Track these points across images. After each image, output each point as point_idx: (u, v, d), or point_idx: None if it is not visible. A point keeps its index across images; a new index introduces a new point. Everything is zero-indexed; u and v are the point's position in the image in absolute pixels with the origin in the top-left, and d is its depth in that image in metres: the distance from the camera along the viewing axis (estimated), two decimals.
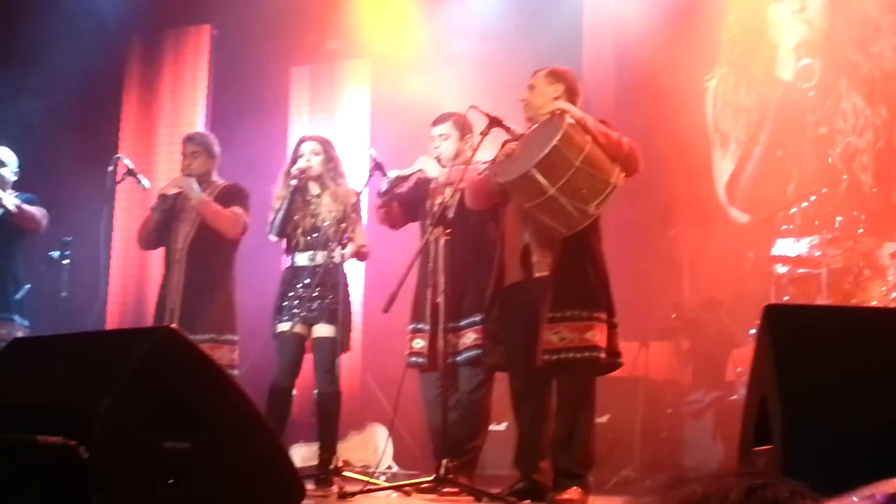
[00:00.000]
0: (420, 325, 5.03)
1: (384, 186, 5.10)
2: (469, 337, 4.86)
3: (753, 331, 6.97)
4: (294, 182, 5.33)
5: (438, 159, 5.09)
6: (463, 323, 4.89)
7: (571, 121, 4.12)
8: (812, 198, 7.20)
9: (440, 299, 4.87)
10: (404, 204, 5.23)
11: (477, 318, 4.82)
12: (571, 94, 4.44)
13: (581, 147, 4.10)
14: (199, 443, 2.98)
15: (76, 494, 2.70)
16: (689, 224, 7.59)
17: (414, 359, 5.01)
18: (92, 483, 2.71)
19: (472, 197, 4.67)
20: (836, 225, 7.15)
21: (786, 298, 6.63)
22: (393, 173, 5.08)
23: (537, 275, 4.32)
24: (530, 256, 4.34)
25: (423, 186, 5.19)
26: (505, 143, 4.43)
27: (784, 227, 7.18)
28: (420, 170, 5.07)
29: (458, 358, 4.87)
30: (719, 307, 7.29)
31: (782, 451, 2.04)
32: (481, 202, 4.65)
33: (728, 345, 7.13)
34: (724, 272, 7.48)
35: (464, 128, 5.00)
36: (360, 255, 5.45)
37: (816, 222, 7.17)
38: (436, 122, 5.18)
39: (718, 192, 7.86)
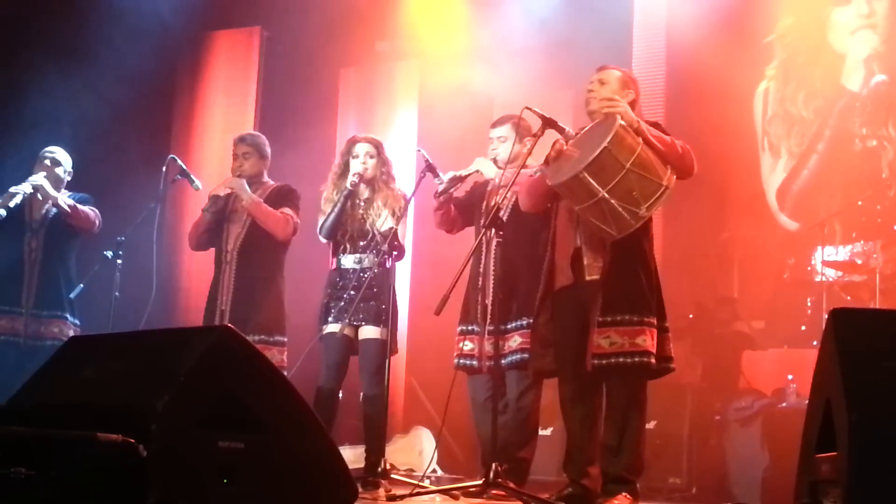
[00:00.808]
0: (469, 327, 5.03)
1: (441, 188, 5.10)
2: (515, 340, 4.86)
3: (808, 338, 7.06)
4: (350, 185, 5.33)
5: (495, 161, 5.09)
6: (510, 326, 4.89)
7: (622, 123, 4.10)
8: (859, 202, 7.13)
9: (489, 301, 4.88)
10: (461, 207, 5.24)
11: (524, 321, 4.81)
12: (634, 103, 4.42)
13: (632, 149, 4.07)
14: (253, 442, 2.99)
15: (134, 491, 2.72)
16: (739, 229, 7.53)
17: (462, 361, 5.01)
18: (149, 480, 2.73)
19: (526, 198, 4.65)
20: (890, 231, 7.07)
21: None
22: (449, 175, 5.08)
23: (588, 278, 4.29)
24: (581, 259, 4.32)
25: (481, 189, 5.19)
26: (555, 143, 4.40)
27: (827, 232, 7.11)
28: (477, 171, 5.07)
29: (504, 361, 4.86)
30: (733, 305, 7.25)
31: (848, 457, 2.01)
32: (536, 204, 4.64)
33: (740, 346, 7.09)
34: (767, 278, 7.45)
35: (521, 130, 4.98)
36: (396, 256, 5.33)
37: (857, 231, 7.12)
38: (495, 125, 5.17)
39: (769, 198, 7.78)
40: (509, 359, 4.86)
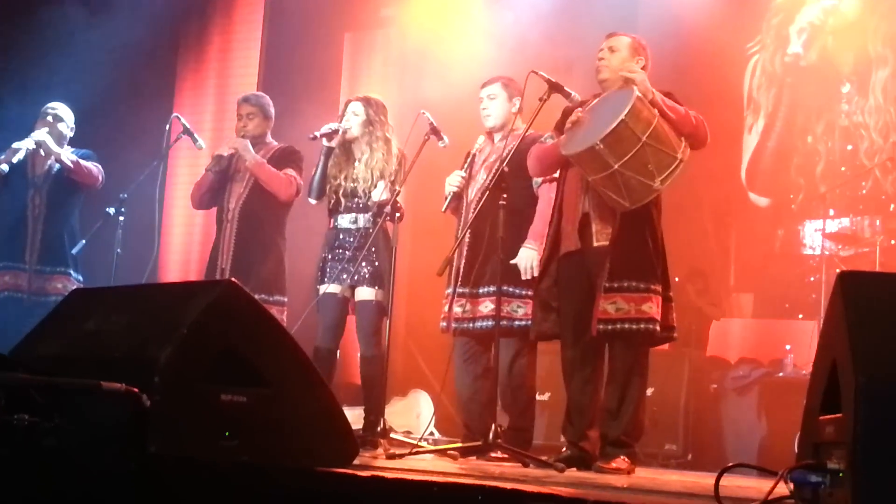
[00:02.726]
0: (448, 290, 5.05)
1: (449, 203, 5.09)
2: (486, 306, 4.84)
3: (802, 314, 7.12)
4: (324, 142, 5.31)
5: (487, 119, 5.08)
6: (481, 291, 4.89)
7: (639, 94, 4.07)
8: (849, 175, 7.19)
9: (461, 263, 4.90)
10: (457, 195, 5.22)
11: (493, 288, 4.79)
12: (644, 69, 4.39)
13: (648, 121, 4.06)
14: (256, 396, 3.00)
15: (136, 441, 2.73)
16: (713, 204, 7.59)
17: (441, 323, 5.04)
18: (151, 431, 2.74)
19: (536, 164, 4.64)
20: (892, 208, 7.10)
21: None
22: (450, 184, 5.06)
23: (596, 244, 4.29)
24: (590, 225, 4.31)
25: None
26: (566, 109, 4.39)
27: (819, 211, 7.16)
28: (468, 172, 5.07)
29: (472, 325, 4.88)
30: (705, 277, 7.30)
31: (854, 419, 2.02)
32: (545, 171, 4.64)
33: (707, 318, 7.13)
34: (758, 250, 7.51)
35: (511, 90, 4.97)
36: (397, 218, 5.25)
37: (861, 206, 7.16)
38: (485, 84, 5.16)
39: (741, 174, 7.84)
40: (479, 324, 4.86)
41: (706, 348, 7.05)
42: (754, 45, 7.93)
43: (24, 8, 7.52)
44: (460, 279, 4.94)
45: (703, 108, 4.34)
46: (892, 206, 7.16)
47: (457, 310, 4.93)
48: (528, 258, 4.82)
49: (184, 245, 8.11)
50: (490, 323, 4.78)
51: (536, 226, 4.83)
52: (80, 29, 7.14)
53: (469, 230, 4.85)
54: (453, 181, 5.07)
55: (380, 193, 5.27)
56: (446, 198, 5.11)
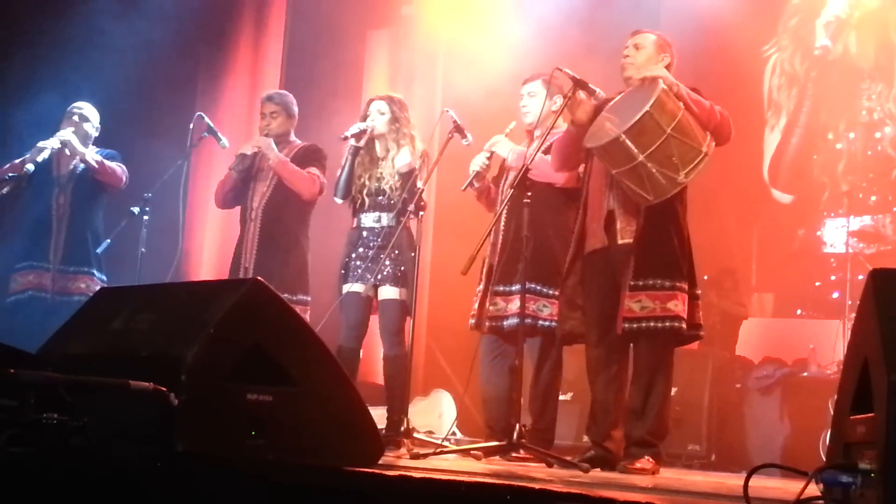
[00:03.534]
0: (479, 287, 5.03)
1: (465, 186, 5.06)
2: (515, 304, 4.79)
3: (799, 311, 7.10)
4: (352, 142, 5.32)
5: (526, 115, 5.05)
6: (513, 288, 4.87)
7: (664, 87, 4.06)
8: (871, 175, 7.15)
9: (495, 261, 4.88)
10: (497, 184, 5.18)
11: (528, 284, 4.78)
12: (669, 67, 4.38)
13: (673, 114, 4.04)
14: (282, 395, 3.00)
15: (163, 440, 2.74)
16: (733, 204, 7.56)
17: (471, 320, 5.03)
18: (178, 429, 2.75)
19: (557, 156, 4.63)
20: None
21: (860, 277, 6.54)
22: (471, 169, 5.04)
23: (621, 242, 4.28)
24: (614, 223, 4.30)
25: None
26: (581, 102, 4.37)
27: (839, 209, 7.14)
28: (490, 154, 5.04)
29: (504, 323, 4.86)
30: (734, 276, 7.27)
31: (886, 418, 2.00)
32: (567, 161, 4.62)
33: (732, 317, 7.10)
34: (779, 249, 7.49)
35: (552, 88, 4.93)
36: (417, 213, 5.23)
37: (884, 203, 7.13)
38: (526, 81, 5.13)
39: (763, 172, 7.82)
40: (509, 321, 4.85)
41: (733, 348, 7.01)
42: (770, 47, 7.93)
43: (46, 7, 7.55)
44: (494, 277, 4.91)
45: (724, 106, 4.31)
46: None
47: (490, 308, 4.92)
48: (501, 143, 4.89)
49: (208, 244, 8.13)
50: (516, 321, 4.76)
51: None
52: (105, 28, 7.16)
53: (502, 228, 4.85)
54: (477, 161, 5.04)
55: (404, 187, 5.26)
56: (469, 177, 5.07)
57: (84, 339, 3.30)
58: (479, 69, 7.22)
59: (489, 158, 5.05)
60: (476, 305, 5.01)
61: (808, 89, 7.73)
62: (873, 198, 7.30)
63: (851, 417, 2.32)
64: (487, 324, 4.94)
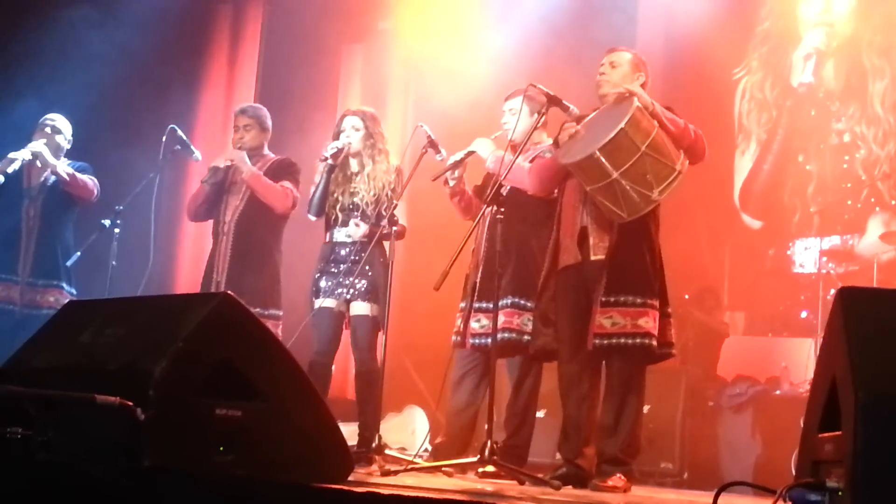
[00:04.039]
0: (462, 304, 5.03)
1: (450, 180, 5.05)
2: (499, 319, 4.73)
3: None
4: (330, 161, 5.30)
5: (507, 132, 5.04)
6: (498, 304, 4.85)
7: (639, 105, 4.08)
8: (840, 196, 7.23)
9: (477, 279, 4.88)
10: (479, 193, 5.16)
11: (509, 300, 4.79)
12: (644, 86, 4.40)
13: (648, 132, 4.06)
14: (252, 410, 2.97)
15: (130, 455, 2.70)
16: (705, 223, 7.62)
17: (453, 337, 5.01)
18: (145, 445, 2.72)
19: (536, 180, 4.64)
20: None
21: (830, 296, 6.60)
22: (449, 159, 5.04)
23: (594, 258, 4.29)
24: (587, 238, 4.31)
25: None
26: (564, 123, 4.39)
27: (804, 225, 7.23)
28: (472, 151, 5.02)
29: (489, 340, 4.85)
30: (716, 294, 7.31)
31: (853, 436, 2.00)
32: (546, 185, 4.62)
33: (720, 337, 7.14)
34: (750, 268, 7.55)
35: (532, 104, 4.92)
36: (397, 233, 5.23)
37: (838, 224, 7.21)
38: (508, 98, 5.12)
39: (734, 198, 7.89)
40: (497, 336, 4.83)
41: (707, 365, 7.00)
42: (741, 69, 7.99)
43: (23, 16, 7.50)
44: (476, 293, 4.90)
45: (696, 125, 4.34)
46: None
47: (474, 325, 4.91)
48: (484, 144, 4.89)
49: (180, 258, 8.09)
50: (506, 335, 4.75)
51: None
52: (78, 40, 7.12)
53: (484, 244, 4.84)
54: (456, 155, 5.02)
55: (377, 203, 5.26)
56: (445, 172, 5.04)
57: (51, 352, 3.26)
58: (455, 84, 7.25)
59: (468, 154, 5.02)
60: (459, 322, 4.99)
61: (783, 118, 7.80)
62: (845, 216, 7.36)
63: (820, 435, 2.32)
64: (471, 341, 4.92)
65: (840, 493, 2.18)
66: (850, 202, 7.35)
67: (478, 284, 4.86)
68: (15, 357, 3.30)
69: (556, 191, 4.60)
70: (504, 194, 4.53)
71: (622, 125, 3.99)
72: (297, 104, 7.57)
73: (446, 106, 6.99)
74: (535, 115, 4.85)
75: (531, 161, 4.85)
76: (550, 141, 4.88)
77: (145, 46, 7.56)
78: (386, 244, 5.23)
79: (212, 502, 2.71)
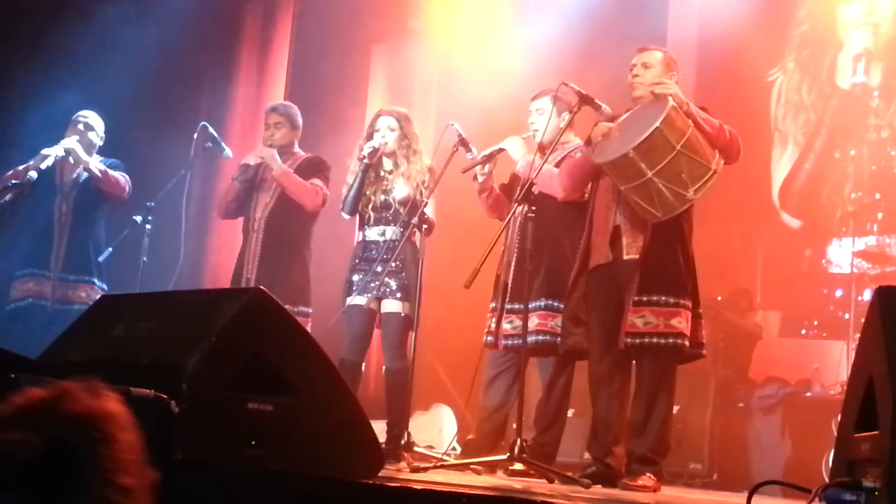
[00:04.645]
0: (493, 304, 5.01)
1: (479, 176, 5.03)
2: (533, 321, 4.74)
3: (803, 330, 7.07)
4: (359, 158, 5.31)
5: (534, 135, 5.01)
6: (530, 306, 4.84)
7: (674, 104, 4.06)
8: (877, 195, 7.15)
9: (509, 279, 4.86)
10: (507, 192, 5.10)
11: (542, 302, 4.77)
12: (676, 84, 4.37)
13: (682, 131, 4.04)
14: (283, 405, 2.98)
15: (162, 447, 2.71)
16: (763, 221, 7.56)
17: (486, 338, 5.00)
18: (178, 437, 2.73)
19: (567, 180, 4.62)
20: None
21: (861, 298, 6.54)
22: (479, 155, 5.02)
23: (626, 257, 4.27)
24: (620, 238, 4.29)
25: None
26: (597, 122, 4.37)
27: (842, 225, 7.15)
28: (502, 149, 5.00)
29: (520, 341, 4.83)
30: (749, 296, 7.26)
31: (891, 436, 1.98)
32: (577, 185, 4.60)
33: (753, 338, 7.08)
34: (785, 268, 7.49)
35: (560, 104, 4.89)
36: (426, 229, 5.21)
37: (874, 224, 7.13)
38: (535, 97, 5.08)
39: (773, 196, 7.82)
40: (531, 339, 4.82)
41: (738, 367, 6.94)
42: (776, 71, 7.92)
43: (61, 11, 7.56)
44: (509, 294, 4.88)
45: (731, 126, 4.31)
46: None
47: (506, 326, 4.89)
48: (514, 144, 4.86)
49: (210, 254, 8.12)
50: (541, 338, 4.73)
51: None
52: (111, 38, 7.17)
53: (516, 244, 4.83)
54: (488, 150, 4.99)
55: (410, 202, 5.26)
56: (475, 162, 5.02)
57: (85, 345, 3.29)
58: (485, 82, 7.24)
59: (499, 151, 5.00)
60: (492, 323, 4.97)
61: (827, 118, 7.72)
62: (880, 214, 7.29)
63: (856, 435, 2.30)
64: (504, 342, 4.90)
65: (876, 493, 2.16)
66: (887, 200, 7.26)
67: (509, 285, 4.84)
68: (49, 350, 3.33)
69: (586, 193, 4.58)
70: (535, 193, 4.51)
71: (657, 124, 3.97)
72: (327, 102, 7.59)
73: (476, 104, 6.98)
74: (564, 114, 4.83)
75: (560, 160, 4.82)
76: (579, 141, 4.86)
77: (178, 43, 7.60)
78: (418, 242, 5.22)
79: (242, 496, 2.72)
